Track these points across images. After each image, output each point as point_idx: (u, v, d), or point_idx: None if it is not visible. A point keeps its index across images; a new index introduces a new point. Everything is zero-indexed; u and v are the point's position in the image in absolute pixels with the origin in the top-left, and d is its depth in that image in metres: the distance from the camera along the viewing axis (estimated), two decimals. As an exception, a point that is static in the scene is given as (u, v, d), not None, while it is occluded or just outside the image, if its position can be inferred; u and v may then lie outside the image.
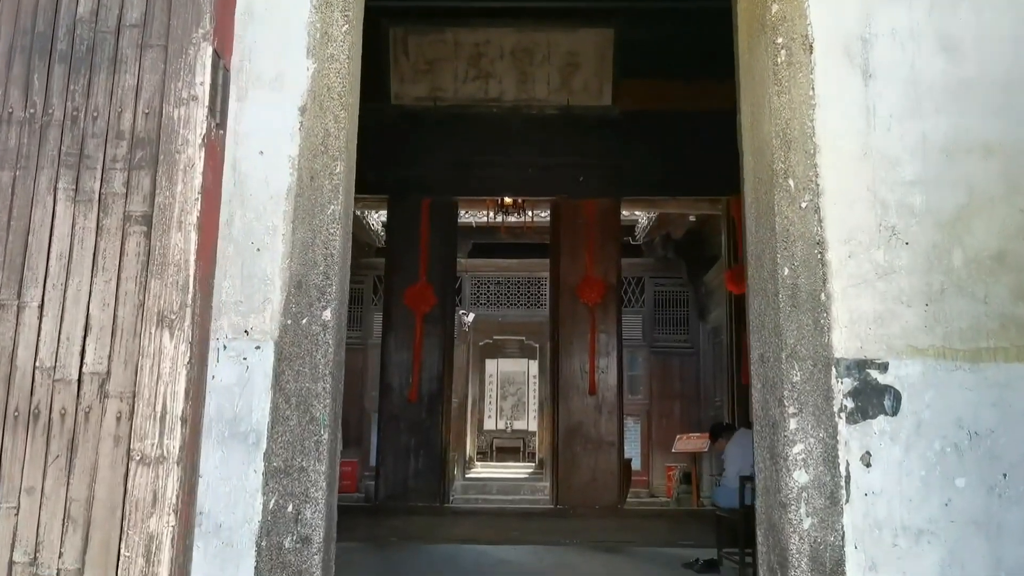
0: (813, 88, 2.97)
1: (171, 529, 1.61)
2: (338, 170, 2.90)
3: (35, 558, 1.62)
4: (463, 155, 10.22)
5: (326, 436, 2.74)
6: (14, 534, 1.66)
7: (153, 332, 1.74)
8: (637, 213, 14.32)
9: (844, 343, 2.82)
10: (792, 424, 2.78)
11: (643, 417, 15.04)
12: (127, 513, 1.64)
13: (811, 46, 3.00)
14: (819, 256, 2.87)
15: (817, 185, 2.91)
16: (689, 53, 9.22)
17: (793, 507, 2.73)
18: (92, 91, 1.84)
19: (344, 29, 2.99)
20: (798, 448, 2.76)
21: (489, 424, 20.22)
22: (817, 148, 2.93)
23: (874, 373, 2.80)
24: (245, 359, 2.76)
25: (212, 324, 2.70)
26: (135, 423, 1.68)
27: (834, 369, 2.80)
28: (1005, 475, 2.73)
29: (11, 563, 1.63)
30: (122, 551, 1.61)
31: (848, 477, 2.73)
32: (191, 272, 1.76)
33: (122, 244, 1.80)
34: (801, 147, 2.94)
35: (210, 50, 1.82)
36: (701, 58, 8.80)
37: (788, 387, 2.80)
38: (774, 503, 2.83)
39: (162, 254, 1.78)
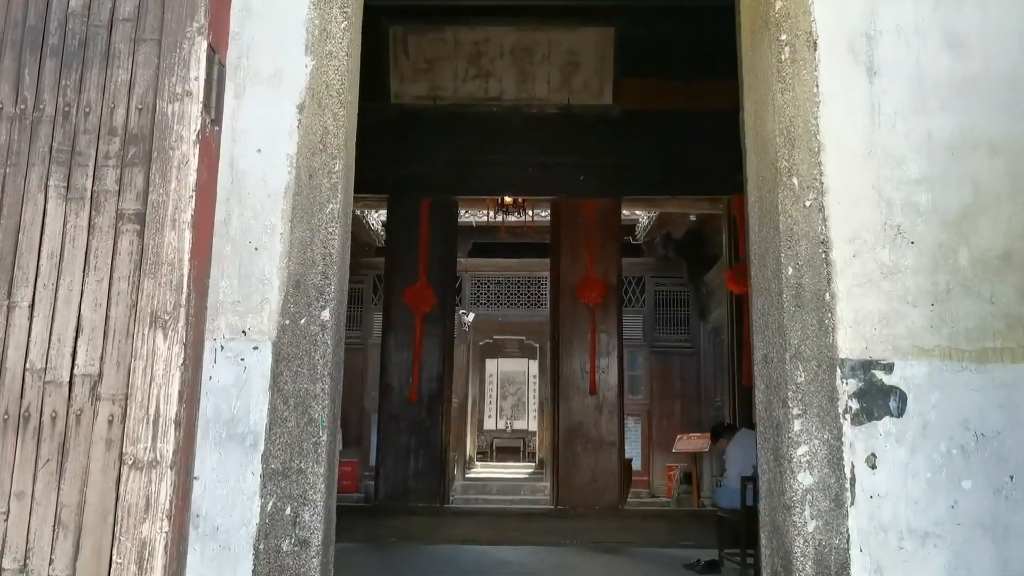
0: (817, 85, 2.94)
1: (164, 535, 1.57)
2: (337, 168, 2.87)
3: (25, 564, 1.59)
4: (463, 154, 10.19)
5: (325, 438, 2.72)
6: (3, 540, 1.62)
7: (146, 333, 1.70)
8: (637, 212, 14.30)
9: (849, 343, 2.79)
10: (796, 425, 2.74)
11: (643, 417, 15.01)
12: (119, 519, 1.61)
13: (815, 43, 2.97)
14: (823, 255, 2.84)
15: (821, 183, 2.88)
16: (690, 52, 9.21)
17: (797, 509, 2.70)
18: (84, 86, 1.81)
19: (343, 26, 2.96)
20: (802, 450, 2.73)
21: (489, 424, 20.21)
22: (821, 146, 2.91)
23: (879, 374, 2.77)
24: (243, 360, 2.74)
25: (209, 324, 2.67)
26: (127, 426, 1.64)
27: (839, 370, 2.77)
28: (1012, 477, 2.71)
29: (0, 570, 1.60)
30: (114, 558, 1.58)
31: (853, 479, 2.71)
32: (185, 271, 1.72)
33: (114, 243, 1.76)
34: (805, 145, 2.91)
35: (205, 44, 1.78)
36: (702, 57, 8.80)
37: (792, 388, 2.78)
38: (778, 505, 2.80)
39: (155, 253, 1.74)
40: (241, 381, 2.72)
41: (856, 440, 2.73)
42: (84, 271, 1.75)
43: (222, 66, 1.93)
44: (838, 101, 2.93)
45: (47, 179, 1.77)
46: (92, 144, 1.77)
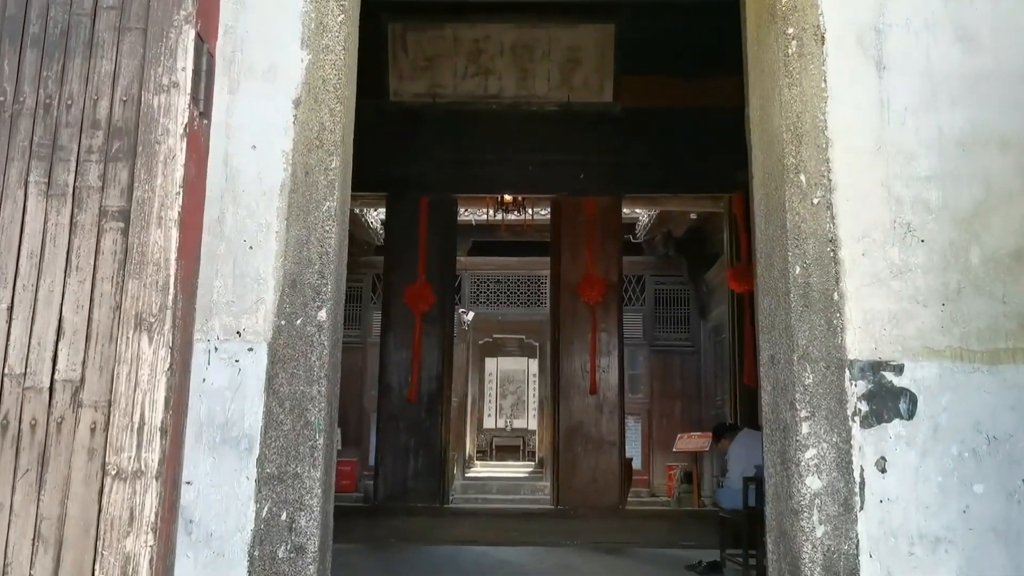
0: (825, 80, 2.88)
1: (149, 549, 1.51)
2: (333, 165, 2.81)
3: (3, 579, 1.53)
4: (462, 152, 10.15)
5: (321, 441, 2.66)
6: (-19, 554, 1.56)
7: (130, 336, 1.63)
8: (638, 211, 14.26)
9: (858, 344, 2.74)
10: (804, 428, 2.68)
11: (644, 416, 14.98)
12: (102, 532, 1.54)
13: (823, 37, 2.91)
14: (832, 254, 2.78)
15: (829, 180, 2.82)
16: (691, 49, 9.17)
17: (805, 514, 2.64)
18: (66, 77, 1.74)
19: (340, 19, 2.90)
20: (810, 453, 2.67)
21: (489, 423, 20.18)
22: (829, 142, 2.85)
23: (889, 375, 2.71)
24: (237, 361, 2.68)
25: (203, 325, 2.61)
26: (111, 434, 1.57)
27: (848, 371, 2.72)
28: (1025, 481, 2.64)
29: (-23, 585, 1.54)
30: (96, 573, 1.51)
31: (863, 483, 2.65)
32: (172, 272, 1.65)
33: (97, 241, 1.69)
34: (813, 141, 2.85)
35: (192, 33, 1.71)
36: (703, 54, 8.76)
37: (800, 390, 2.72)
38: (785, 510, 2.74)
39: (140, 252, 1.67)
40: (236, 383, 2.67)
41: (865, 443, 2.67)
42: (66, 271, 1.68)
43: (211, 56, 1.86)
44: (846, 96, 2.88)
45: (27, 175, 1.70)
46: (74, 138, 1.70)
